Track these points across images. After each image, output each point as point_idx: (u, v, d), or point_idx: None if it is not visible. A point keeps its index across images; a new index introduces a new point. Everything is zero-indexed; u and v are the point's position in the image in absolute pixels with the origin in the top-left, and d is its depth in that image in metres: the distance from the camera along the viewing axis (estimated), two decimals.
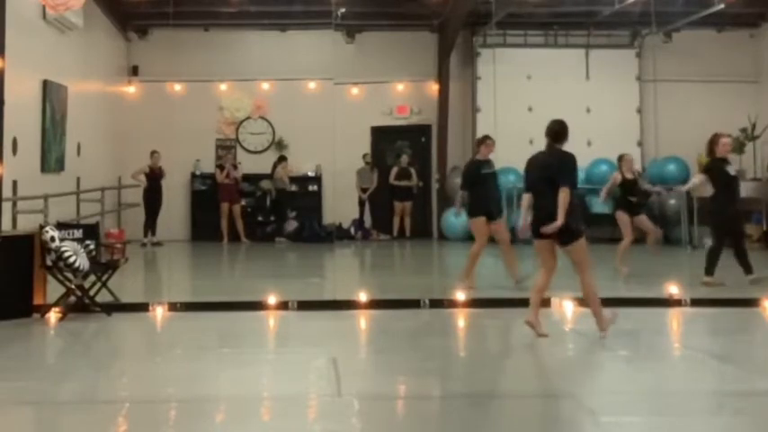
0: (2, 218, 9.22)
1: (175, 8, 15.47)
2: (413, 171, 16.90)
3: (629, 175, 11.18)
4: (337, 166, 16.97)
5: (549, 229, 6.74)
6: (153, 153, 15.52)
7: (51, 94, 12.22)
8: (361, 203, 16.85)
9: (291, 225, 16.58)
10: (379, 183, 16.83)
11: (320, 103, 17.06)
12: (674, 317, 8.38)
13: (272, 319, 8.21)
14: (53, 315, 8.10)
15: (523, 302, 7.47)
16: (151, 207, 15.57)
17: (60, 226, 8.65)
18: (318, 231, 16.48)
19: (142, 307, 8.45)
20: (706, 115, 16.10)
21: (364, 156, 16.90)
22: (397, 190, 16.79)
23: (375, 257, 14.84)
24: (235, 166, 16.53)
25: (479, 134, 16.71)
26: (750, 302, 8.58)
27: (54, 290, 8.31)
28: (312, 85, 17.18)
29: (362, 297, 8.62)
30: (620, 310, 7.64)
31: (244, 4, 15.93)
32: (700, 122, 15.52)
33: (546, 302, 8.32)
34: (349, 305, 8.57)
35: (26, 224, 9.74)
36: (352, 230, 16.84)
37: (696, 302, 8.65)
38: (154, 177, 15.50)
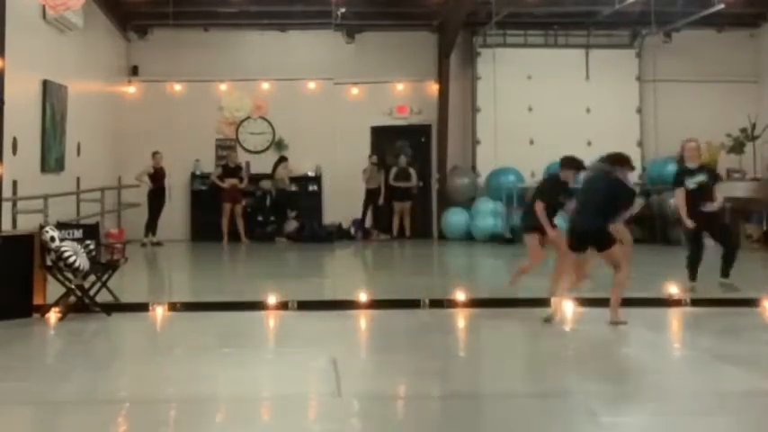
0: (2, 218, 9.22)
1: (175, 8, 15.47)
2: (412, 171, 16.87)
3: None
4: (337, 166, 16.95)
5: None
6: (155, 154, 15.51)
7: (51, 94, 12.21)
8: (367, 203, 16.78)
9: (291, 225, 16.57)
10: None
11: (320, 103, 17.04)
12: (674, 317, 8.38)
13: (272, 319, 8.21)
14: (53, 315, 8.10)
15: (523, 303, 7.49)
16: (156, 208, 15.57)
17: (60, 226, 8.65)
18: (318, 231, 16.47)
19: (142, 307, 8.44)
20: (706, 115, 16.10)
21: (370, 156, 16.85)
22: (396, 190, 16.75)
23: (375, 257, 14.84)
24: (240, 168, 16.44)
25: (480, 134, 16.94)
26: (750, 302, 8.58)
27: (54, 290, 8.31)
28: (312, 85, 17.16)
29: (362, 297, 8.62)
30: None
31: (244, 4, 15.92)
32: (700, 122, 15.53)
33: (545, 302, 8.33)
34: (349, 305, 8.56)
35: (26, 224, 9.73)
36: (352, 230, 16.82)
37: (696, 302, 8.66)
38: (158, 178, 15.50)
